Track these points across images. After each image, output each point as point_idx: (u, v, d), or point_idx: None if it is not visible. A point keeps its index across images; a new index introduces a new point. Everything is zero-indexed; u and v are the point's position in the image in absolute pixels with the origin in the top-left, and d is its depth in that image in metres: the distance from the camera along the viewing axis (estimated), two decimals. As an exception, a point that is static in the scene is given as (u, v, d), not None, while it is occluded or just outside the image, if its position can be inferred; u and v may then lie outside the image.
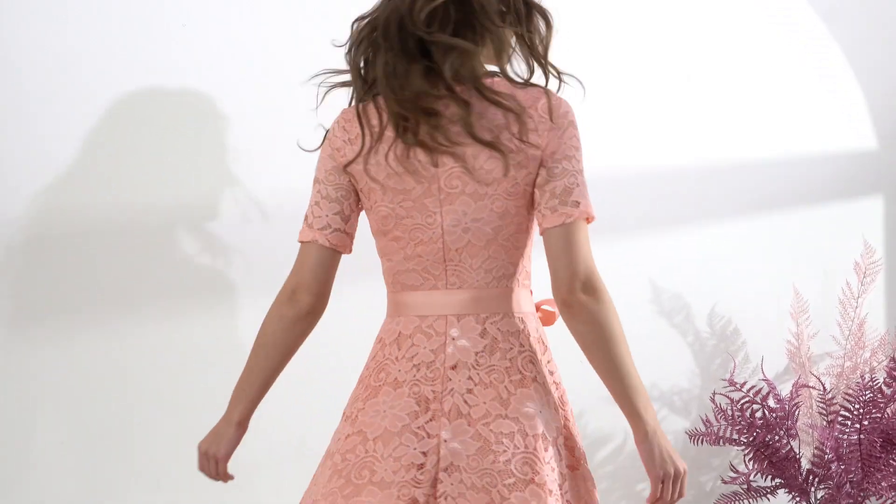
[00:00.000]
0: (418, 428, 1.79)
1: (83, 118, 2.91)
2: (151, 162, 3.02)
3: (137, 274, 3.01)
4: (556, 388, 1.98)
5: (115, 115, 3.01)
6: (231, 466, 2.34)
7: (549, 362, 1.98)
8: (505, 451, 1.77)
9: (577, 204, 1.81)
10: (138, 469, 3.02)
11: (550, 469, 1.80)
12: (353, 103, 1.94)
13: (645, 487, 3.27)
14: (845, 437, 2.97)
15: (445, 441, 1.78)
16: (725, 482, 3.10)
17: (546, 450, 1.81)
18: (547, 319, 2.05)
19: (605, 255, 3.26)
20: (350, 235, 1.95)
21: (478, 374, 1.82)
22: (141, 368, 3.02)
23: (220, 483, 3.01)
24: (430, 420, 1.80)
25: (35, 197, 2.98)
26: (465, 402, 1.81)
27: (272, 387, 2.13)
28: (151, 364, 3.01)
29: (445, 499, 1.76)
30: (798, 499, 3.08)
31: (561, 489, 1.81)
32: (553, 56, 1.94)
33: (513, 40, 1.90)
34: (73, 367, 2.99)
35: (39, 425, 2.98)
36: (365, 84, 1.89)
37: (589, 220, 1.84)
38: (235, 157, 3.07)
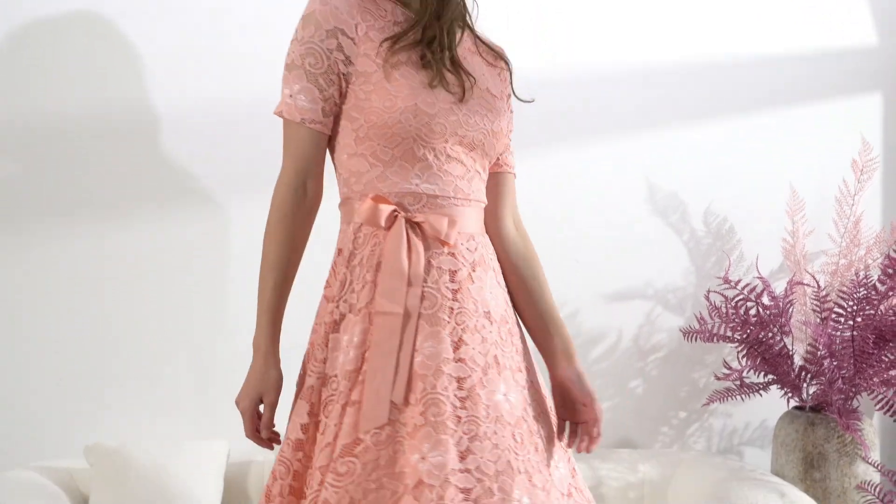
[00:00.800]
0: None
1: (66, 12, 2.86)
2: (137, 62, 2.98)
3: (121, 176, 3.00)
4: (326, 324, 1.88)
5: (98, 12, 2.96)
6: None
7: (338, 286, 1.89)
8: None
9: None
10: (124, 372, 3.05)
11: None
12: None
13: (638, 385, 3.31)
14: (838, 333, 2.99)
15: None
16: (718, 378, 3.13)
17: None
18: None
19: (600, 153, 3.25)
20: None
21: None
22: (124, 270, 3.02)
23: (206, 381, 3.04)
24: None
25: (18, 98, 2.94)
26: None
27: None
28: (135, 266, 3.02)
29: None
30: (790, 394, 3.11)
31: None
32: None
33: None
34: (58, 271, 2.99)
35: (26, 328, 2.99)
36: None
37: (281, 116, 1.89)
38: (229, 58, 3.02)
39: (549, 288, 2.03)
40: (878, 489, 2.87)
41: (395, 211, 1.84)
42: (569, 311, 3.25)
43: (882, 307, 2.96)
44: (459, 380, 1.77)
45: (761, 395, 3.14)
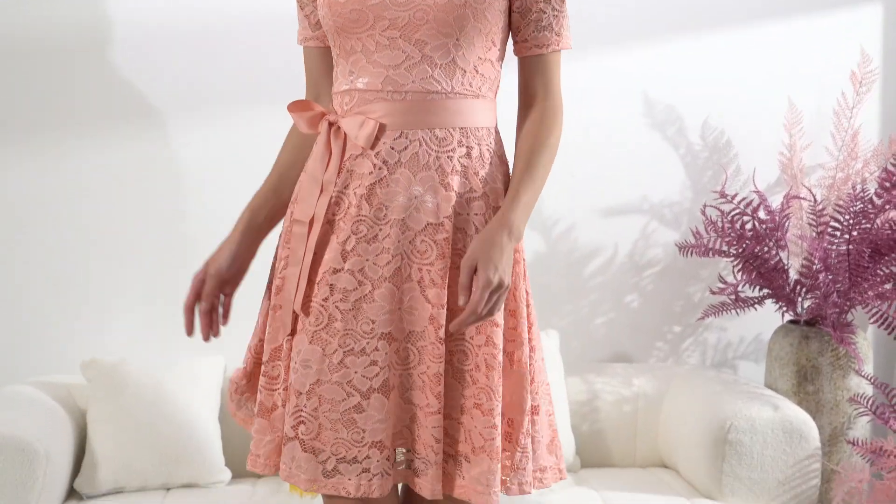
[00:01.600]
0: None
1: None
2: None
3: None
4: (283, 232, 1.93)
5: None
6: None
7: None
8: None
9: None
10: (120, 289, 3.05)
11: None
12: None
13: (633, 299, 3.32)
14: (834, 247, 2.99)
15: None
16: (714, 293, 3.13)
17: None
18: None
19: (597, 67, 3.21)
20: None
21: None
22: (117, 186, 3.03)
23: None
24: None
25: None
26: None
27: None
28: (126, 182, 3.03)
29: None
30: (785, 309, 3.12)
31: None
32: None
33: None
34: (51, 187, 2.99)
35: (23, 244, 2.99)
36: None
37: None
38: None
39: (527, 165, 1.80)
40: (870, 401, 2.89)
41: (321, 114, 1.80)
42: (564, 227, 3.25)
43: (878, 221, 2.95)
44: (344, 291, 1.72)
45: (756, 309, 3.14)
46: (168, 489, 2.77)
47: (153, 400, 2.76)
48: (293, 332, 1.78)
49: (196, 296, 1.88)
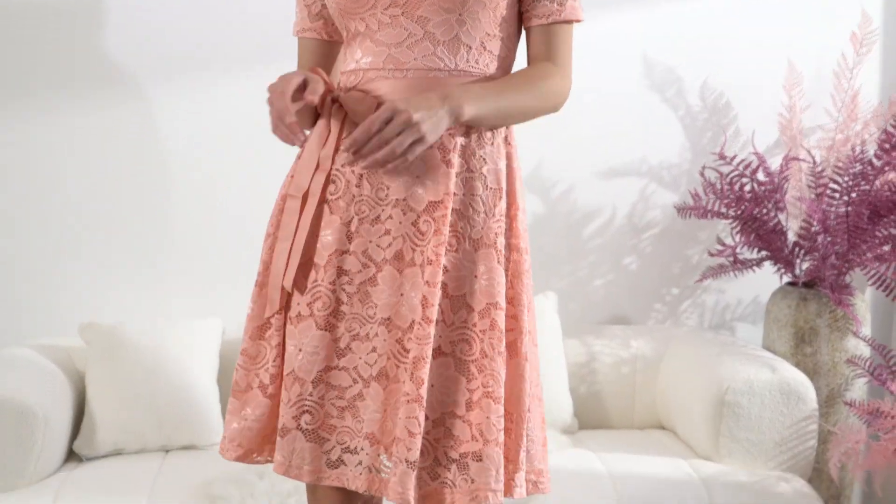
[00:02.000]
0: None
1: None
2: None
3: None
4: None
5: None
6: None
7: None
8: None
9: None
10: (119, 251, 3.05)
11: None
12: None
13: (632, 261, 3.32)
14: (833, 209, 2.98)
15: None
16: (712, 255, 3.13)
17: None
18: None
19: (596, 28, 3.19)
20: None
21: None
22: (111, 149, 3.01)
23: (199, 259, 3.04)
24: None
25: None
26: None
27: None
28: (119, 145, 3.01)
29: None
30: (783, 270, 3.12)
31: None
32: None
33: None
34: (45, 150, 2.98)
35: (21, 208, 2.99)
36: None
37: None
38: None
39: (500, 80, 1.72)
40: (867, 363, 2.90)
41: (326, 91, 1.74)
42: (563, 188, 3.24)
43: (877, 182, 2.95)
44: (350, 274, 1.69)
45: (754, 271, 3.14)
46: (167, 451, 2.78)
47: (152, 362, 2.76)
48: (284, 311, 1.73)
49: (292, 97, 1.63)
